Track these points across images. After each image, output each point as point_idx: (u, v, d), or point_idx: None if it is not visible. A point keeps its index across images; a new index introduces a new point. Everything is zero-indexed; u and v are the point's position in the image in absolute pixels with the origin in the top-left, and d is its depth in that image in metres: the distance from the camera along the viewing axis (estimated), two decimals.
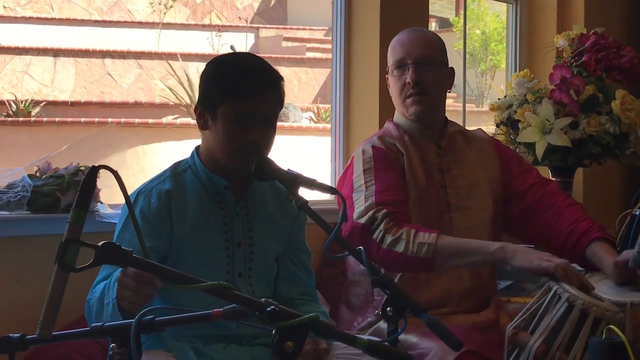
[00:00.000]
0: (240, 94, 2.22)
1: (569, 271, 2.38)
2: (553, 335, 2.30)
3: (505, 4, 4.76)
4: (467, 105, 5.22)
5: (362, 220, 2.59)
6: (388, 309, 1.93)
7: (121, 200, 1.66)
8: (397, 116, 2.88)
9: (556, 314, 2.31)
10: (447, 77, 2.86)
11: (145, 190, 2.29)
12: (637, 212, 2.74)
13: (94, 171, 1.51)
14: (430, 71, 2.78)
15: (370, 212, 2.59)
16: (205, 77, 2.30)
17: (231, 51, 9.06)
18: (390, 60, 2.83)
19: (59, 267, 1.43)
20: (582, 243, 2.67)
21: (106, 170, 1.56)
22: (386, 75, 2.90)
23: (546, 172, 3.71)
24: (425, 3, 3.88)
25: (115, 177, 1.51)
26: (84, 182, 1.48)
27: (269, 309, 1.46)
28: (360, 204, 2.63)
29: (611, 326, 1.97)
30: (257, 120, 2.23)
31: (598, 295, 2.39)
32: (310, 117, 8.76)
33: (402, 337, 2.30)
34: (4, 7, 10.08)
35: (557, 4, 4.51)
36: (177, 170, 2.34)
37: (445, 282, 2.74)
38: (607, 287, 2.51)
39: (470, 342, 2.41)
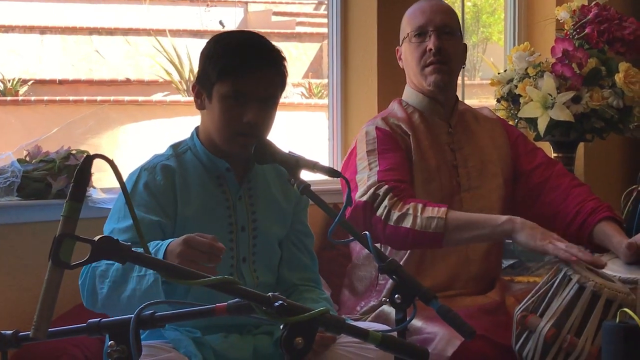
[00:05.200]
0: (236, 70, 2.16)
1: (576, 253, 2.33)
2: (563, 318, 2.26)
3: None
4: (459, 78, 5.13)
5: (364, 198, 2.51)
6: (396, 296, 1.87)
7: (115, 184, 1.58)
8: (409, 92, 2.79)
9: (566, 296, 2.27)
10: (462, 52, 2.78)
11: (149, 166, 2.22)
12: None
13: (88, 161, 1.42)
14: (451, 40, 2.71)
15: (372, 190, 2.52)
16: (204, 54, 2.24)
17: (221, 27, 8.96)
18: (408, 28, 2.72)
19: (53, 264, 1.35)
20: (590, 222, 2.63)
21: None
22: (397, 47, 2.80)
23: (547, 148, 3.65)
24: None
25: (111, 166, 1.43)
26: (79, 173, 1.39)
27: (276, 303, 1.39)
28: (362, 183, 2.56)
29: (625, 309, 1.91)
30: (253, 100, 2.17)
31: (608, 275, 2.34)
32: (302, 92, 8.68)
33: None
34: None
35: None
36: (177, 151, 2.28)
37: (452, 265, 2.69)
38: (617, 266, 2.48)
39: (477, 326, 2.33)
